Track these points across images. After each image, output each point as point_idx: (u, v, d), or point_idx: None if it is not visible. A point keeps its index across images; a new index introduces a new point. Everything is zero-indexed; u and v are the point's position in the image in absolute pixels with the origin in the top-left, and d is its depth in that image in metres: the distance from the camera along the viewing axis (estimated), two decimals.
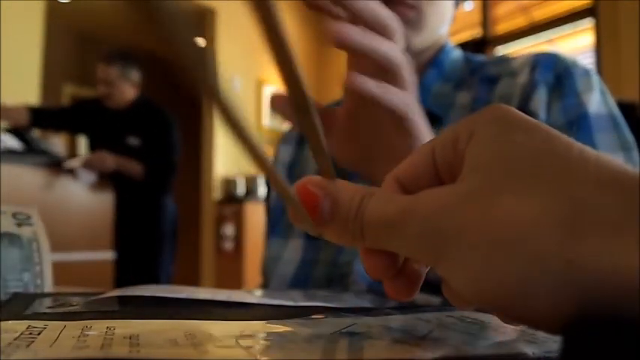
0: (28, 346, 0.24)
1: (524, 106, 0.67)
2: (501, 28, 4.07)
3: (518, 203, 0.20)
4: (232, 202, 4.50)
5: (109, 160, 2.55)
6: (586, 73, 0.68)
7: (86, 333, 0.27)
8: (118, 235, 2.65)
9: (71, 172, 2.49)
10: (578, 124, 0.64)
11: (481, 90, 0.71)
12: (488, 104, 0.68)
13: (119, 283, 2.57)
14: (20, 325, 0.29)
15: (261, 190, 4.48)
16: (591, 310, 0.18)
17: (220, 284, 4.34)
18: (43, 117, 2.73)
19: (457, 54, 0.79)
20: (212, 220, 4.63)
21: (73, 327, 0.29)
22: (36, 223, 0.55)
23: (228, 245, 4.41)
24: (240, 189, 4.57)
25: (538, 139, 0.22)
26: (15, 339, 0.25)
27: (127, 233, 2.70)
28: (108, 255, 2.59)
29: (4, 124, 2.55)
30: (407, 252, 0.25)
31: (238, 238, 4.36)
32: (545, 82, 0.67)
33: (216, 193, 4.67)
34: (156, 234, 2.79)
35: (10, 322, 0.30)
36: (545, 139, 0.22)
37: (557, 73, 0.67)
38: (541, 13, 3.80)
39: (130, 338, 0.26)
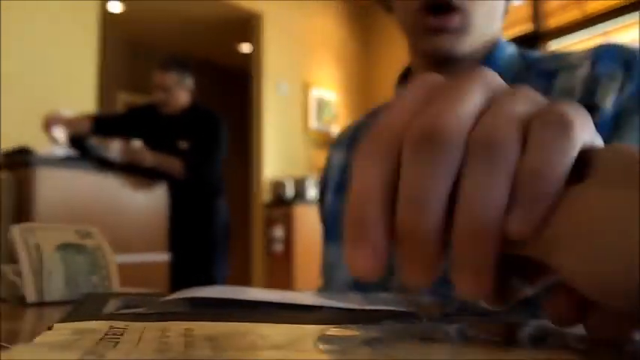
0: (114, 346, 0.25)
1: (588, 99, 0.65)
2: (553, 21, 3.98)
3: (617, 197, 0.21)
4: (281, 204, 4.53)
5: (148, 157, 2.62)
6: None
7: (166, 334, 0.28)
8: (173, 237, 2.70)
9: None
10: None
11: (539, 84, 0.69)
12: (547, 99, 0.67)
13: (175, 284, 2.61)
14: (103, 325, 0.30)
15: (310, 192, 4.50)
16: None
17: (271, 286, 4.37)
18: (102, 124, 2.82)
19: (512, 50, 0.77)
20: (261, 222, 4.67)
21: (153, 328, 0.29)
22: (97, 236, 0.57)
23: (278, 247, 4.44)
24: (289, 191, 4.60)
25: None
26: (101, 339, 0.26)
27: (182, 235, 2.75)
28: (164, 256, 2.64)
29: (68, 133, 2.64)
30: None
31: (288, 241, 4.39)
32: (609, 74, 0.65)
33: (266, 196, 4.71)
34: (210, 235, 2.83)
35: (91, 322, 0.31)
36: None
37: (623, 60, 0.65)
38: (595, 5, 3.70)
39: (211, 340, 0.27)
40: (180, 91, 2.81)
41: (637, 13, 3.43)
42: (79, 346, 0.25)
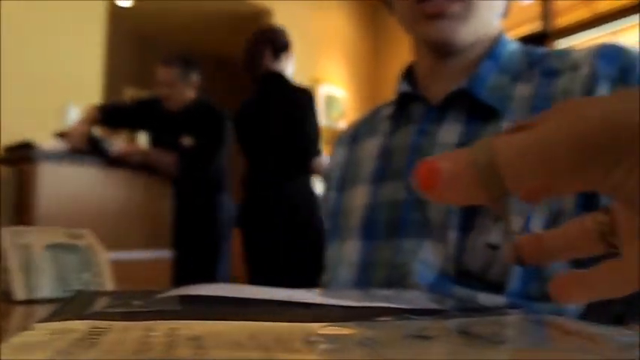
0: (91, 347, 0.24)
1: None
2: (562, 20, 3.95)
3: None
4: None
5: (136, 156, 2.62)
6: None
7: (149, 334, 0.27)
8: (176, 234, 2.69)
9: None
10: None
11: (542, 83, 0.68)
12: (549, 98, 0.66)
13: (178, 281, 2.60)
14: (83, 325, 0.29)
15: (317, 188, 4.47)
16: None
17: None
18: (109, 115, 2.83)
19: (514, 46, 0.76)
20: None
21: (136, 328, 0.28)
22: (88, 237, 0.57)
23: None
24: None
25: None
26: (79, 339, 0.25)
27: (185, 231, 2.74)
28: (167, 253, 2.63)
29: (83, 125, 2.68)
30: (567, 168, 0.23)
31: None
32: (607, 75, 0.63)
33: None
34: (214, 231, 2.81)
35: (73, 321, 0.30)
36: None
37: (622, 65, 0.64)
38: (604, 5, 3.68)
39: (194, 340, 0.26)
40: (184, 87, 2.79)
41: None
42: (54, 346, 0.23)
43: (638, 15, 3.47)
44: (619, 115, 0.22)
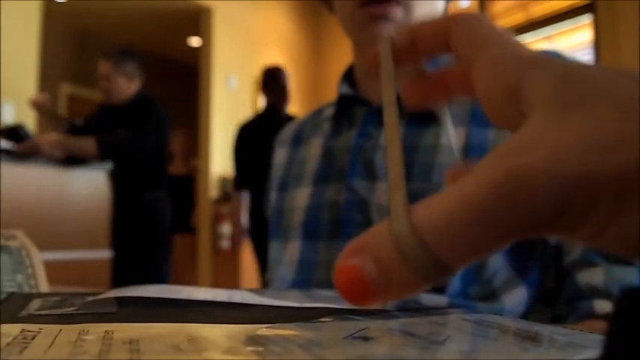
0: (21, 351, 0.23)
1: None
2: (499, 24, 4.06)
3: None
4: (229, 200, 4.49)
5: (45, 147, 2.43)
6: None
7: (83, 338, 0.26)
8: (116, 233, 2.63)
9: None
10: None
11: None
12: None
13: (116, 282, 2.54)
14: (14, 329, 0.27)
15: None
16: None
17: (217, 283, 4.32)
18: (75, 130, 2.81)
19: None
20: (209, 218, 4.62)
21: (70, 331, 0.27)
22: (21, 237, 0.55)
23: (225, 244, 4.39)
24: None
25: None
26: (8, 344, 0.24)
27: (125, 231, 2.68)
28: (105, 254, 2.57)
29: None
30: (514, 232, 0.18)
31: (235, 237, 4.34)
32: None
33: (213, 192, 4.65)
34: (152, 230, 2.76)
35: (4, 325, 0.29)
36: None
37: None
38: (539, 10, 3.80)
39: (130, 343, 0.25)
40: (122, 79, 2.71)
41: (580, 18, 3.53)
42: None
43: (571, 20, 3.60)
44: (569, 163, 0.17)
